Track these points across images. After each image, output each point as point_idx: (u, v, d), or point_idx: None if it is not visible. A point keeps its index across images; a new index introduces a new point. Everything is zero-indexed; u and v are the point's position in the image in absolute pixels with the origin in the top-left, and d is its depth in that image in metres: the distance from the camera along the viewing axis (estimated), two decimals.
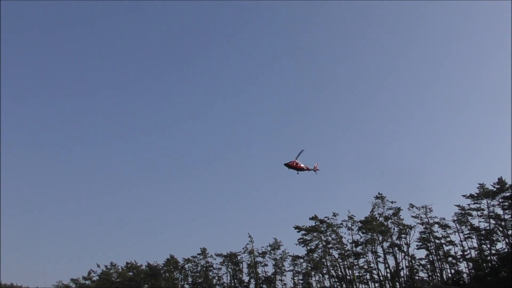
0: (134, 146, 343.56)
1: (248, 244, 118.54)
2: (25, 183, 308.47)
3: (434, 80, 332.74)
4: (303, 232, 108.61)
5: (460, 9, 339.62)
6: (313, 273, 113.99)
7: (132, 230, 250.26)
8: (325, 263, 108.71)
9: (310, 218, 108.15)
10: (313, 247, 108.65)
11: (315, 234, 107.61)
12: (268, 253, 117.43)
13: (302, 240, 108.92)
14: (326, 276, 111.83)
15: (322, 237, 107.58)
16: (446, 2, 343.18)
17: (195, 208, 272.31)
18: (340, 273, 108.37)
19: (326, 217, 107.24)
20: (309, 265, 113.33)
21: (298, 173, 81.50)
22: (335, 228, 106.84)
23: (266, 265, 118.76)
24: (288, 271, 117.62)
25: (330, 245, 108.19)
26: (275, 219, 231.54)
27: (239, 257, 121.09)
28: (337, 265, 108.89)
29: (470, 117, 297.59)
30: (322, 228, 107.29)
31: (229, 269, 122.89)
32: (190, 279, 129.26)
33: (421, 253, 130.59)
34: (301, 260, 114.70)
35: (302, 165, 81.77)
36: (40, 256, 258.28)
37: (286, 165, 79.37)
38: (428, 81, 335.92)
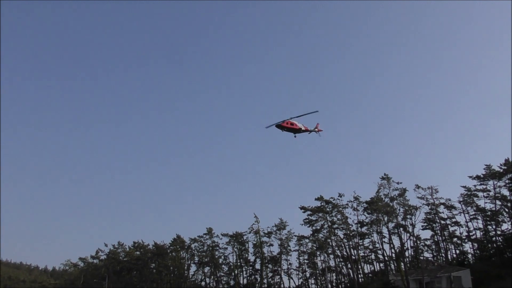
0: (142, 126, 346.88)
1: (254, 224, 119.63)
2: (34, 159, 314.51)
3: (440, 67, 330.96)
4: (308, 212, 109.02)
5: (460, 9, 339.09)
6: (318, 253, 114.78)
7: (139, 210, 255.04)
8: (330, 243, 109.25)
9: (315, 199, 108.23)
10: (318, 227, 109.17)
11: (320, 214, 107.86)
12: (274, 233, 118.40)
13: (307, 220, 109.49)
14: (331, 256, 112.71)
15: (328, 217, 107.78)
16: (446, 2, 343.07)
17: (201, 188, 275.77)
18: (345, 253, 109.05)
19: (331, 197, 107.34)
20: (315, 245, 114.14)
21: (295, 136, 69.14)
22: (341, 209, 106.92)
23: (271, 245, 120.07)
24: (294, 251, 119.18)
25: (335, 226, 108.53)
26: (281, 200, 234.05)
27: (245, 237, 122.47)
28: (342, 245, 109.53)
29: (477, 101, 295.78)
30: (328, 209, 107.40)
31: (235, 249, 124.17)
32: (196, 259, 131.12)
33: (426, 234, 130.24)
34: (307, 240, 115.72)
35: (299, 125, 69.08)
36: (49, 235, 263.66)
37: (278, 126, 66.57)
38: (434, 70, 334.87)
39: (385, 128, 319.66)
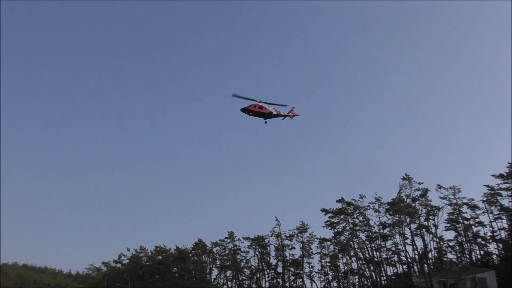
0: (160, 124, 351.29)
1: (275, 227, 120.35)
2: (53, 161, 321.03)
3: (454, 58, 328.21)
4: (330, 214, 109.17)
5: (461, 9, 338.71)
6: (340, 255, 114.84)
7: (161, 214, 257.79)
8: (353, 246, 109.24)
9: (337, 201, 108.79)
10: (340, 229, 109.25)
11: (342, 216, 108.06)
12: (295, 236, 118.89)
13: (329, 222, 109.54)
14: (354, 259, 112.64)
15: (349, 219, 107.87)
16: (446, 2, 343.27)
17: (222, 192, 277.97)
18: (367, 255, 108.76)
19: (353, 199, 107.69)
20: (337, 247, 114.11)
21: (266, 122, 62.03)
22: (362, 210, 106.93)
23: (293, 248, 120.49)
24: (316, 253, 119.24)
25: (357, 228, 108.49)
26: (302, 202, 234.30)
27: (266, 240, 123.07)
28: (365, 247, 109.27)
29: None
30: (349, 211, 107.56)
31: (257, 252, 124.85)
32: (218, 262, 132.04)
33: (450, 235, 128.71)
34: (328, 243, 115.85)
35: (269, 109, 61.16)
36: (73, 240, 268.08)
37: (244, 110, 59.39)
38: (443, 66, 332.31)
39: (402, 128, 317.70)
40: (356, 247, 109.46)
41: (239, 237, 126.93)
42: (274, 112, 62.07)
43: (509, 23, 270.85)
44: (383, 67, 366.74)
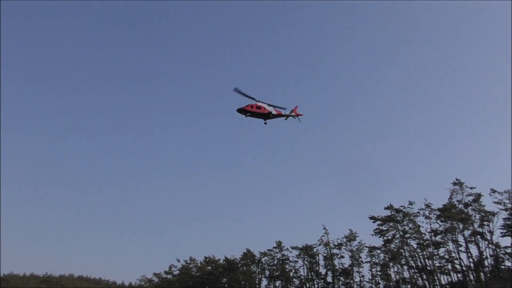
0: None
1: (323, 236, 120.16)
2: (104, 171, 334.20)
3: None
4: (378, 222, 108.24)
5: (460, 9, 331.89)
6: (391, 264, 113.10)
7: (209, 225, 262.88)
8: (404, 254, 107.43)
9: (385, 208, 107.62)
10: (390, 237, 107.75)
11: (391, 224, 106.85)
12: (344, 244, 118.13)
13: (378, 230, 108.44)
14: (405, 267, 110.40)
15: (399, 226, 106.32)
16: (446, 2, 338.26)
17: (268, 202, 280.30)
18: (419, 264, 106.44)
19: (401, 206, 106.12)
20: (387, 256, 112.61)
21: (265, 123, 58.89)
22: (412, 217, 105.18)
23: (342, 257, 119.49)
24: (365, 262, 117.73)
25: (407, 235, 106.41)
26: (348, 210, 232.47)
27: (314, 250, 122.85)
28: (416, 255, 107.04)
29: None
30: (398, 218, 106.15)
31: (306, 262, 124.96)
32: (267, 272, 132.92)
33: (507, 241, 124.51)
34: (378, 251, 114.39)
35: (268, 109, 58.01)
36: (125, 252, 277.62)
37: (240, 111, 56.75)
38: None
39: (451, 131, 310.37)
40: (407, 255, 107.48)
41: (287, 247, 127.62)
42: (274, 112, 59.26)
43: (509, 23, 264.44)
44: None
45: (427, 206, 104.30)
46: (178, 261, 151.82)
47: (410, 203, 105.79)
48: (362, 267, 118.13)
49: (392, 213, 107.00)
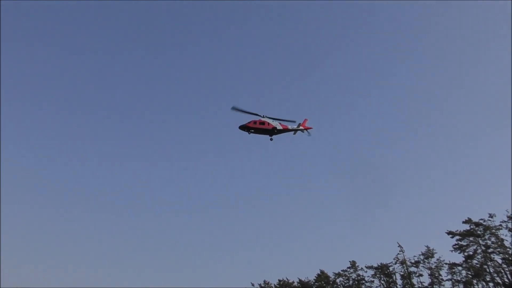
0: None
1: (398, 254, 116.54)
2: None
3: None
4: (457, 237, 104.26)
5: (460, 9, 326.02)
6: (475, 281, 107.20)
7: (282, 247, 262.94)
8: (488, 270, 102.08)
9: (463, 222, 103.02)
10: (471, 252, 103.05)
11: (471, 238, 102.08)
12: (422, 262, 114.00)
13: (457, 246, 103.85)
14: (491, 284, 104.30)
15: (480, 241, 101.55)
16: (446, 2, 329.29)
17: (339, 221, 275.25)
18: (506, 280, 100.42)
19: (481, 219, 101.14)
20: (469, 272, 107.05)
21: (271, 139, 56.64)
22: (494, 231, 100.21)
23: (421, 275, 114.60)
24: (446, 280, 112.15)
25: (490, 250, 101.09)
26: (422, 225, 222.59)
27: (390, 268, 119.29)
28: (502, 271, 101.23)
29: None
30: (479, 232, 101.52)
31: (382, 281, 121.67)
32: None
33: None
34: (460, 268, 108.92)
35: (273, 124, 55.41)
36: (200, 278, 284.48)
37: (242, 128, 54.67)
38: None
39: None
40: (491, 271, 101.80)
41: (361, 266, 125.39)
42: (279, 127, 57.03)
43: (509, 23, 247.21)
44: None
45: (510, 218, 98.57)
46: (253, 284, 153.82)
47: (491, 216, 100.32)
48: (443, 285, 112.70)
49: (472, 227, 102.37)
